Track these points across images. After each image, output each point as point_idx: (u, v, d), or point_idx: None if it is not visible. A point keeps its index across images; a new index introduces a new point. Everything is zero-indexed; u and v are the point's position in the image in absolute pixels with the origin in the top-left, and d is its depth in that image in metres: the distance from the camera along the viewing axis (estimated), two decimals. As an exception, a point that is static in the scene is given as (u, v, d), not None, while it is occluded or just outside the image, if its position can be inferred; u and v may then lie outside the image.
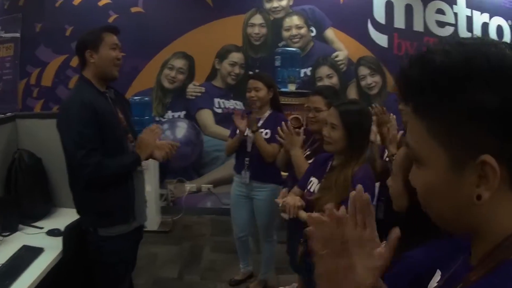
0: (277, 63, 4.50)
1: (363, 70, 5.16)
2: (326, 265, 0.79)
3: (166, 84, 4.73)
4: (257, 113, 3.21)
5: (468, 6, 5.89)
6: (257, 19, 4.81)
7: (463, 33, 5.88)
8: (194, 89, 4.71)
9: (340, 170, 2.13)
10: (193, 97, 4.71)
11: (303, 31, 4.90)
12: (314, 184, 2.27)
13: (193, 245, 4.14)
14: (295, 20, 4.89)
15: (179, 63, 4.66)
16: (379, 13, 5.24)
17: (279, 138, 2.66)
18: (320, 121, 2.53)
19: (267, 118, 3.19)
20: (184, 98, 4.75)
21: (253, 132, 3.04)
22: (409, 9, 5.43)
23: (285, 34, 4.88)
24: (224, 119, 4.78)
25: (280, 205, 2.26)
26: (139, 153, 2.24)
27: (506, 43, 0.61)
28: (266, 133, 3.14)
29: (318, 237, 0.79)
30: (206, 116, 4.74)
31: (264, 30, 4.83)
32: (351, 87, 5.14)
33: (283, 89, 4.21)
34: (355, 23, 5.14)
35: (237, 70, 4.76)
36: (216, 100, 4.74)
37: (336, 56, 5.04)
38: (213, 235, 4.40)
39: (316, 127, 2.61)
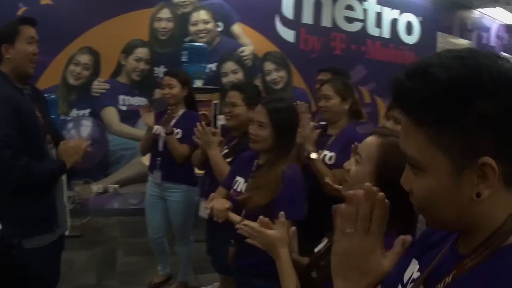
0: (184, 58, 4.53)
1: (269, 65, 5.41)
2: (349, 245, 0.81)
3: (72, 80, 4.60)
4: (171, 111, 3.16)
5: (378, 3, 6.27)
6: (165, 13, 4.83)
7: (372, 28, 6.23)
8: (99, 85, 4.64)
9: (269, 169, 2.13)
10: (98, 94, 4.63)
11: (210, 26, 5.01)
12: (240, 183, 2.26)
13: (106, 248, 4.10)
14: (203, 14, 4.98)
15: (84, 58, 4.56)
16: (287, 8, 5.48)
17: (195, 139, 2.62)
18: (236, 116, 2.61)
19: (180, 117, 3.15)
20: (89, 95, 4.66)
21: (167, 134, 3.00)
22: (318, 5, 5.70)
23: (192, 29, 4.94)
24: (129, 116, 4.75)
25: (208, 211, 2.22)
26: (64, 160, 2.16)
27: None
28: (178, 133, 3.10)
29: (348, 215, 0.80)
30: (111, 114, 4.69)
31: (171, 25, 4.86)
32: (257, 82, 5.22)
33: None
34: (263, 19, 5.32)
35: (142, 65, 4.74)
36: (121, 97, 4.69)
37: (242, 51, 5.22)
38: (124, 237, 4.38)
39: (232, 123, 2.66)
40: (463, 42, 7.87)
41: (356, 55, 6.08)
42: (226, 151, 2.67)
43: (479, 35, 8.38)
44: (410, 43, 6.77)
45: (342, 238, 0.81)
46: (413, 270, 0.92)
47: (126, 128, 4.75)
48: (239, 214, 2.10)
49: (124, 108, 4.74)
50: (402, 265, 0.94)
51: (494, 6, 7.17)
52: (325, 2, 5.76)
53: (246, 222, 1.67)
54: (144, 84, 4.80)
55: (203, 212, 2.70)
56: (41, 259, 2.09)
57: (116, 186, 4.82)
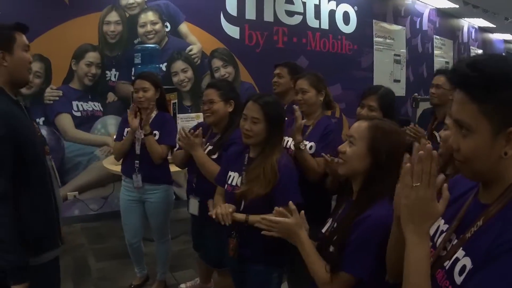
0: (137, 60, 4.73)
1: (217, 62, 5.71)
2: (417, 196, 1.08)
3: (23, 89, 4.12)
4: (144, 114, 3.15)
5: None
6: (113, 16, 4.93)
7: (311, 20, 6.65)
8: (51, 93, 4.65)
9: (263, 160, 2.25)
10: (51, 102, 4.64)
11: (157, 26, 5.19)
12: (235, 177, 2.36)
13: (76, 256, 4.07)
14: (150, 16, 5.14)
15: (35, 66, 4.49)
16: (231, 5, 5.78)
17: (178, 143, 2.77)
18: (215, 112, 2.75)
19: (154, 119, 3.20)
20: (42, 104, 4.63)
21: (146, 135, 3.06)
22: (260, 1, 6.03)
23: (140, 30, 5.10)
24: (84, 122, 4.82)
25: (214, 217, 2.25)
26: None
27: None
28: (155, 134, 3.17)
29: (417, 172, 1.07)
30: (65, 121, 4.72)
31: (120, 28, 4.96)
32: (206, 79, 5.59)
33: None
34: (208, 17, 5.59)
35: (93, 70, 4.80)
36: (75, 103, 4.74)
37: (190, 50, 5.46)
38: (91, 243, 4.40)
39: (212, 119, 2.79)
40: (396, 28, 8.50)
41: (297, 47, 6.51)
42: (210, 148, 2.81)
43: (412, 20, 9.00)
44: (347, 32, 7.29)
45: (411, 192, 1.08)
46: (438, 224, 1.23)
47: (81, 134, 4.81)
48: (237, 206, 2.25)
49: (78, 114, 4.79)
50: None
51: None
52: None
53: (264, 216, 1.87)
54: (97, 89, 4.88)
55: (193, 209, 2.89)
56: (46, 275, 2.01)
57: (75, 193, 4.85)
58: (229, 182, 2.37)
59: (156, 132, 3.16)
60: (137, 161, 3.17)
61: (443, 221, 1.23)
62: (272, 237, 1.91)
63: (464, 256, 1.07)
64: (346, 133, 1.90)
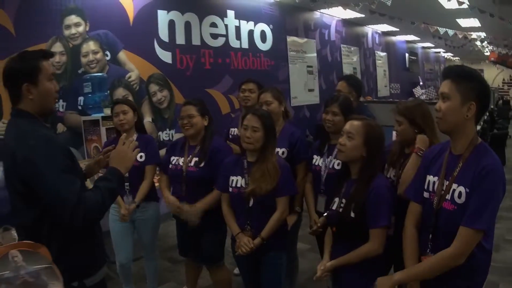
0: (87, 89, 5.18)
1: (153, 87, 6.40)
2: None
3: None
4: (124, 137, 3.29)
5: (236, 17, 7.73)
6: (58, 47, 5.31)
7: (233, 41, 7.68)
8: (3, 127, 4.30)
9: (264, 162, 2.81)
10: (2, 136, 4.42)
11: (99, 56, 5.69)
12: (238, 180, 2.89)
13: None
14: (92, 45, 5.62)
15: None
16: (163, 31, 6.57)
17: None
18: (194, 125, 3.24)
19: (136, 141, 3.10)
20: None
21: (137, 206, 3.47)
22: (188, 26, 6.90)
23: (83, 60, 5.54)
24: None
25: (237, 253, 2.85)
26: (118, 168, 2.12)
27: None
28: (141, 156, 3.50)
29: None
30: None
31: (64, 58, 5.35)
32: (145, 104, 6.29)
33: (100, 114, 4.89)
34: (143, 43, 6.29)
35: None
36: None
37: (129, 77, 6.07)
38: None
39: (191, 132, 3.27)
40: (307, 41, 9.86)
41: (222, 67, 7.51)
42: (195, 159, 3.27)
43: (321, 33, 10.42)
44: (265, 49, 8.49)
45: None
46: (429, 179, 2.15)
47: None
48: (246, 203, 2.85)
49: (30, 145, 5.10)
50: (420, 182, 2.20)
51: (331, 7, 9.02)
52: (193, 22, 7.04)
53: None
54: (47, 120, 4.89)
55: (185, 216, 3.26)
56: None
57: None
58: (233, 185, 2.90)
59: (142, 154, 3.52)
60: (127, 184, 3.50)
61: (430, 176, 2.16)
62: (280, 224, 2.82)
63: (458, 186, 1.99)
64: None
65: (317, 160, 3.30)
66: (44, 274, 1.55)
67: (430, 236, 2.12)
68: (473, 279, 2.07)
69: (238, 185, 2.89)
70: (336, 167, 3.09)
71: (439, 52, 22.79)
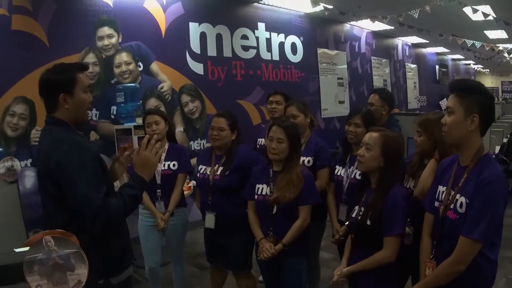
0: (120, 99, 5.31)
1: (185, 98, 6.45)
2: None
3: (9, 132, 4.74)
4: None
5: (267, 30, 7.75)
6: (91, 57, 5.39)
7: (264, 53, 7.70)
8: (37, 134, 4.73)
9: (288, 172, 2.91)
10: (37, 143, 4.39)
11: (131, 66, 5.77)
12: (264, 188, 3.01)
13: None
14: (124, 56, 5.70)
15: (19, 108, 4.72)
16: (195, 44, 6.64)
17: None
18: (223, 138, 3.34)
19: (168, 150, 3.68)
20: (28, 145, 4.79)
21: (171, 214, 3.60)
22: (219, 38, 6.95)
23: (116, 70, 5.62)
24: None
25: (259, 258, 2.97)
26: (141, 174, 2.20)
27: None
28: (174, 165, 3.63)
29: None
30: None
31: (97, 69, 5.42)
32: (177, 114, 6.34)
33: (132, 123, 4.77)
34: (175, 55, 6.36)
35: None
36: None
37: (162, 88, 6.14)
38: None
39: (219, 143, 3.37)
40: (338, 53, 9.79)
41: (254, 79, 7.52)
42: (221, 168, 3.38)
43: (351, 45, 10.33)
44: (295, 61, 8.45)
45: None
46: (439, 189, 2.23)
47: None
48: (270, 210, 2.95)
49: (65, 152, 5.21)
50: (433, 192, 2.28)
51: (360, 19, 9.03)
52: (224, 35, 7.08)
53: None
54: (80, 128, 5.20)
55: (209, 223, 3.40)
56: None
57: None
58: (259, 193, 3.03)
59: (175, 162, 3.66)
60: (159, 190, 3.61)
61: (441, 186, 2.24)
62: (301, 232, 2.90)
63: (461, 196, 2.06)
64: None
65: (339, 170, 3.40)
66: (72, 258, 1.76)
67: (435, 243, 2.25)
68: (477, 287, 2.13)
69: (264, 193, 3.02)
70: (357, 177, 3.13)
71: (469, 64, 22.38)
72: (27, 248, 1.68)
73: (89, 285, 1.98)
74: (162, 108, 6.04)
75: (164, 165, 3.67)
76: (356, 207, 2.61)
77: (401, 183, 2.69)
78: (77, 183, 1.98)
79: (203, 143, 6.69)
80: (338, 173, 3.40)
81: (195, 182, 3.99)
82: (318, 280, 3.99)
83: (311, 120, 3.72)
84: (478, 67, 23.45)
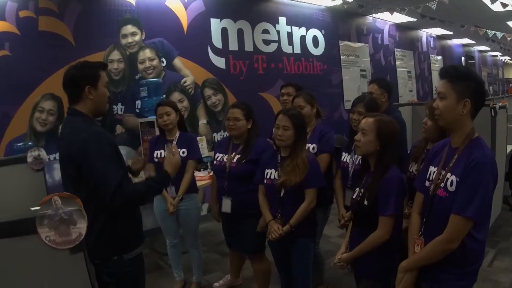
0: (143, 93, 5.46)
1: (208, 91, 6.55)
2: None
3: (39, 127, 4.93)
4: (168, 135, 3.86)
5: (288, 24, 7.75)
6: (115, 55, 5.55)
7: (285, 46, 7.70)
8: None
9: (295, 157, 3.02)
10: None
11: (155, 62, 5.91)
12: (272, 173, 3.13)
13: None
14: (148, 53, 5.85)
15: (48, 104, 4.89)
16: (216, 39, 6.69)
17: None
18: (239, 128, 3.47)
19: (179, 139, 3.84)
20: (56, 139, 4.78)
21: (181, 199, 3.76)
22: (240, 33, 7.00)
23: (140, 66, 5.78)
24: None
25: (268, 239, 3.10)
26: (168, 171, 2.56)
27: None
28: (184, 152, 3.76)
29: None
30: None
31: (122, 65, 5.58)
32: (200, 107, 6.45)
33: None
34: (197, 50, 6.44)
35: None
36: None
37: (185, 82, 6.25)
38: None
39: (235, 133, 3.49)
40: (360, 46, 9.69)
41: (275, 72, 7.53)
42: (238, 156, 3.51)
43: (374, 37, 10.23)
44: (317, 54, 8.42)
45: None
46: (430, 170, 2.29)
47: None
48: (278, 192, 3.05)
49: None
50: (424, 172, 2.34)
51: (378, 12, 8.89)
52: (246, 30, 7.12)
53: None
54: (106, 122, 5.37)
55: (226, 208, 3.53)
56: (137, 267, 2.49)
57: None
58: (268, 177, 3.15)
59: (184, 150, 3.79)
60: None
61: (432, 167, 2.29)
62: (307, 214, 2.99)
63: (451, 175, 2.11)
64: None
65: (345, 157, 3.49)
66: (75, 214, 2.10)
67: (424, 220, 2.28)
68: (465, 268, 2.16)
69: (272, 177, 3.13)
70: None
71: (496, 56, 21.86)
72: (39, 207, 2.04)
73: (105, 260, 2.40)
74: (186, 102, 6.29)
75: None
76: (357, 189, 2.71)
77: (401, 166, 2.74)
78: (96, 165, 2.20)
79: (226, 134, 6.61)
80: (344, 160, 3.48)
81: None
82: (322, 269, 4.07)
83: (318, 110, 3.80)
84: (505, 59, 22.90)
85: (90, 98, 2.33)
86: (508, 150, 5.92)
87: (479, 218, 2.05)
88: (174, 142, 3.82)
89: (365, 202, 2.55)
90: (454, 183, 2.10)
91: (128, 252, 2.40)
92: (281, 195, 3.07)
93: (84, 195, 2.20)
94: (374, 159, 2.62)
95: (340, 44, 9.15)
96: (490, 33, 9.48)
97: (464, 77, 2.12)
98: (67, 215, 2.09)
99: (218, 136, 6.76)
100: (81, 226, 2.13)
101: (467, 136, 2.16)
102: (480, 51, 19.20)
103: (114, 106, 5.62)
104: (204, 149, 5.79)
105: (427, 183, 2.31)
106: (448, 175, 2.15)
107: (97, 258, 2.37)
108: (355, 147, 2.72)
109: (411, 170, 2.97)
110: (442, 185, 2.18)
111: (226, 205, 3.56)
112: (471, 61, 17.22)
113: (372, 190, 2.53)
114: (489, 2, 7.66)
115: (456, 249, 2.07)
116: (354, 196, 2.71)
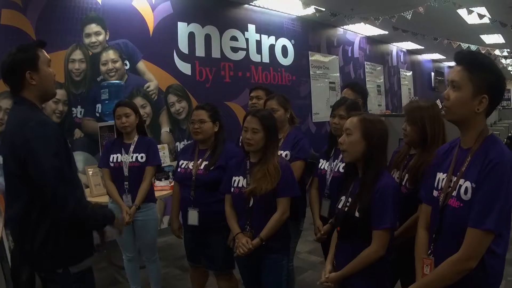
0: (104, 96, 5.32)
1: (172, 98, 6.50)
2: None
3: None
4: (126, 138, 3.72)
5: (257, 32, 7.77)
6: (77, 54, 5.46)
7: (254, 55, 7.72)
8: None
9: (265, 163, 2.82)
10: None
11: (118, 64, 5.83)
12: (240, 180, 2.92)
13: None
14: (111, 54, 5.77)
15: (5, 103, 4.73)
16: (183, 43, 6.66)
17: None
18: (205, 131, 3.25)
19: (137, 143, 3.70)
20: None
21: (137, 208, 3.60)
22: (208, 38, 6.99)
23: (102, 68, 5.68)
24: None
25: (236, 254, 2.87)
26: (112, 224, 2.42)
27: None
28: (142, 157, 3.64)
29: None
30: None
31: (84, 66, 5.49)
32: (163, 114, 6.38)
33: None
34: (163, 54, 6.40)
35: (61, 107, 5.22)
36: None
37: (148, 87, 6.19)
38: None
39: (201, 137, 3.27)
40: (330, 58, 9.84)
41: (243, 80, 7.54)
42: (205, 163, 3.28)
43: (344, 49, 10.39)
44: (286, 64, 8.49)
45: None
46: (438, 177, 2.02)
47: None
48: (247, 202, 2.84)
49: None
50: (432, 181, 2.06)
51: (352, 22, 8.99)
52: (213, 35, 7.12)
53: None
54: (65, 125, 5.29)
55: (193, 220, 3.28)
56: (86, 283, 2.32)
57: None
58: (235, 185, 2.94)
59: (142, 154, 3.67)
60: (126, 183, 3.61)
61: (440, 173, 2.02)
62: (280, 225, 2.79)
63: (465, 181, 1.84)
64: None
65: (323, 164, 3.32)
66: None
67: (434, 236, 2.01)
68: (484, 287, 1.88)
69: (240, 185, 2.92)
70: (341, 170, 3.07)
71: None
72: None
73: (49, 272, 2.22)
74: (148, 108, 6.22)
75: (132, 157, 3.68)
76: (343, 197, 2.46)
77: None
78: (41, 158, 2.03)
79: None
80: (322, 167, 3.31)
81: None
82: (293, 285, 3.85)
83: (292, 115, 3.66)
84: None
85: (33, 84, 2.15)
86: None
87: (500, 229, 1.78)
88: (132, 146, 3.69)
89: (356, 214, 2.29)
90: (469, 190, 1.82)
91: (73, 264, 2.21)
92: (250, 205, 2.85)
93: (29, 195, 2.10)
94: (362, 163, 2.38)
95: (309, 55, 9.29)
96: (464, 46, 9.71)
97: (483, 68, 1.84)
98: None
99: (181, 145, 6.67)
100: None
101: (480, 134, 1.88)
102: (449, 66, 19.71)
103: (73, 109, 5.49)
104: (165, 158, 5.76)
105: (435, 193, 2.04)
106: (461, 181, 1.87)
107: (41, 270, 2.24)
108: (342, 152, 2.50)
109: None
110: (454, 193, 1.90)
111: (193, 217, 3.30)
112: (440, 78, 17.65)
113: (364, 199, 2.28)
114: (466, 13, 7.84)
115: (474, 268, 1.79)
116: (340, 206, 2.45)
